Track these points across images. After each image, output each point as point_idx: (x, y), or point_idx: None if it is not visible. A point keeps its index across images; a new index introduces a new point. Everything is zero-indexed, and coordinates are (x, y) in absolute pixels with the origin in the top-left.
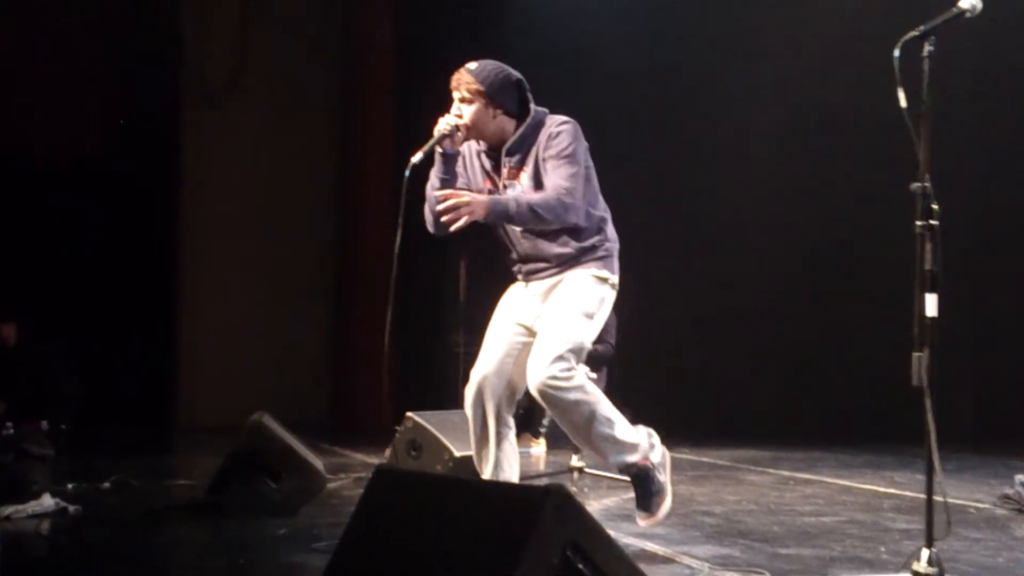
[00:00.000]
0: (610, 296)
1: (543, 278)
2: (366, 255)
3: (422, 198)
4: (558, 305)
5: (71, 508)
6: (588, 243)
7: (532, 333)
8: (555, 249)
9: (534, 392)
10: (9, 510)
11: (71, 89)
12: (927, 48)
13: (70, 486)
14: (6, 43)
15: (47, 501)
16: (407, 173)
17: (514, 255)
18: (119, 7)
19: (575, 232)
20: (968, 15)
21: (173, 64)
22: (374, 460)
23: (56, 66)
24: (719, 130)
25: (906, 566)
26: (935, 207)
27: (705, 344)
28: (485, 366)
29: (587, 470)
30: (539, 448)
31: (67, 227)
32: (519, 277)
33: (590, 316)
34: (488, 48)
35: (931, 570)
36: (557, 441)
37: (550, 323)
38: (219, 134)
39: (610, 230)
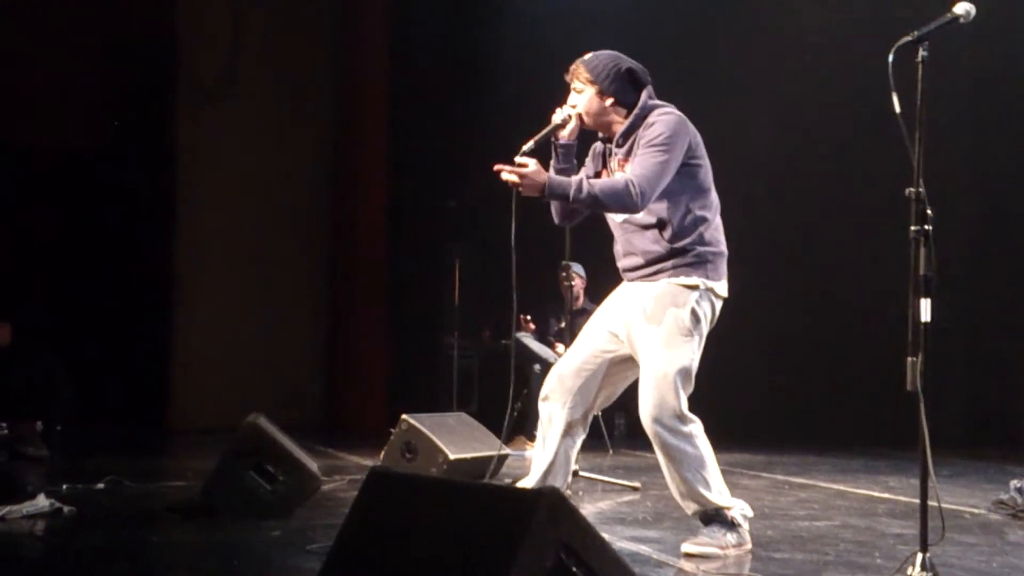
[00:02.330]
0: (705, 303)
1: (636, 278)
2: (361, 256)
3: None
4: (652, 331)
5: (65, 509)
6: (680, 244)
7: (618, 341)
8: (646, 245)
9: (646, 428)
10: (3, 510)
11: (65, 87)
12: (921, 53)
13: (64, 487)
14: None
15: (41, 501)
16: (517, 160)
17: (616, 247)
18: (114, 4)
19: (666, 229)
20: (962, 20)
21: (169, 62)
22: (368, 462)
23: (50, 64)
24: (713, 132)
25: (900, 571)
26: (929, 212)
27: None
28: (565, 365)
29: (582, 473)
30: (533, 451)
31: (61, 226)
32: (621, 273)
33: (687, 333)
34: (485, 49)
35: (925, 575)
36: None
37: (650, 355)
38: (214, 133)
39: (711, 233)
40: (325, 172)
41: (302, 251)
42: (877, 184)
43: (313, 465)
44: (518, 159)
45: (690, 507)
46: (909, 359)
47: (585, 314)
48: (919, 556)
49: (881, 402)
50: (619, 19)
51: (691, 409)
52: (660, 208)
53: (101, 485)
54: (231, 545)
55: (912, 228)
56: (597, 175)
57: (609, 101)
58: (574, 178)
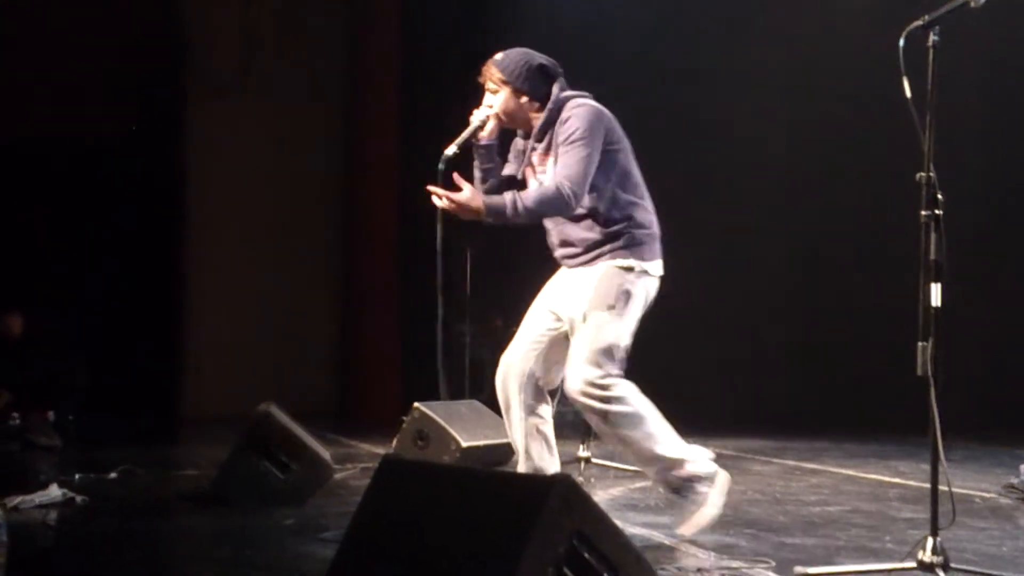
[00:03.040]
0: (640, 284)
1: (575, 264)
2: (373, 246)
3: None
4: (583, 305)
5: (78, 498)
6: (614, 229)
7: (559, 320)
8: (581, 233)
9: (572, 400)
10: (16, 500)
11: (76, 83)
12: (932, 38)
13: (77, 476)
14: (13, 35)
15: (54, 491)
16: (441, 167)
17: (550, 238)
18: (126, 0)
19: (598, 216)
20: (972, 5)
21: (179, 58)
22: (380, 450)
23: (63, 59)
24: (723, 119)
25: (911, 555)
26: (940, 197)
27: (710, 334)
28: (511, 352)
29: (594, 460)
30: None
31: (73, 218)
32: (559, 260)
33: (615, 310)
34: (496, 44)
35: (936, 559)
36: (562, 431)
37: (578, 327)
38: (226, 127)
39: (642, 215)
40: (336, 163)
41: (314, 241)
42: (889, 169)
43: (325, 453)
44: (443, 167)
45: (651, 472)
46: (920, 344)
47: None
48: (930, 540)
49: (891, 387)
50: (632, 14)
51: (701, 398)
52: (590, 199)
53: (113, 475)
54: (244, 534)
55: (923, 213)
56: (523, 180)
57: (524, 99)
58: (507, 196)
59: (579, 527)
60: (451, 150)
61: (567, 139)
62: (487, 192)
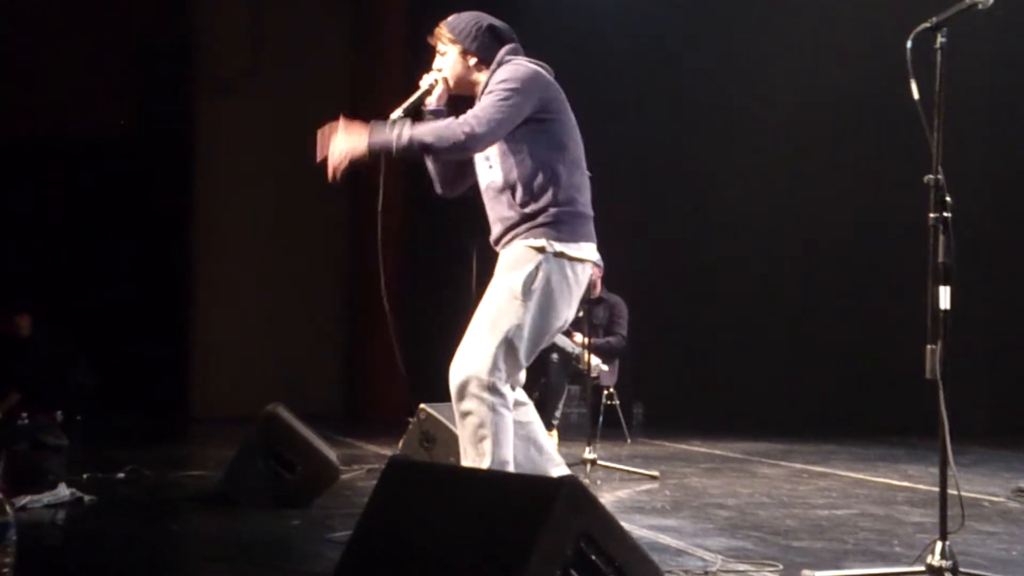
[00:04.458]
0: (552, 267)
1: (499, 247)
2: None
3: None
4: (489, 292)
5: (86, 498)
6: (531, 207)
7: None
8: (502, 211)
9: (451, 385)
10: (25, 500)
11: (85, 78)
12: (940, 40)
13: (85, 476)
14: (22, 32)
15: (62, 491)
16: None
17: (489, 220)
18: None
19: (516, 191)
20: (980, 7)
21: (187, 53)
22: (387, 451)
23: (70, 55)
24: (731, 121)
25: (920, 559)
26: (948, 199)
27: (718, 337)
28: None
29: (600, 462)
30: (552, 440)
31: (81, 217)
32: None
33: (516, 296)
34: None
35: (945, 563)
36: (570, 433)
37: (478, 313)
38: (233, 123)
39: (567, 192)
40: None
41: (321, 241)
42: (897, 171)
43: (332, 454)
44: (391, 122)
45: None
46: (928, 347)
47: (603, 303)
48: (938, 544)
49: (900, 390)
50: (640, 9)
51: (709, 400)
52: (509, 168)
53: (121, 474)
54: (251, 534)
55: (931, 215)
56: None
57: (472, 60)
58: (395, 128)
59: (586, 529)
60: (396, 114)
61: (489, 89)
62: (435, 162)
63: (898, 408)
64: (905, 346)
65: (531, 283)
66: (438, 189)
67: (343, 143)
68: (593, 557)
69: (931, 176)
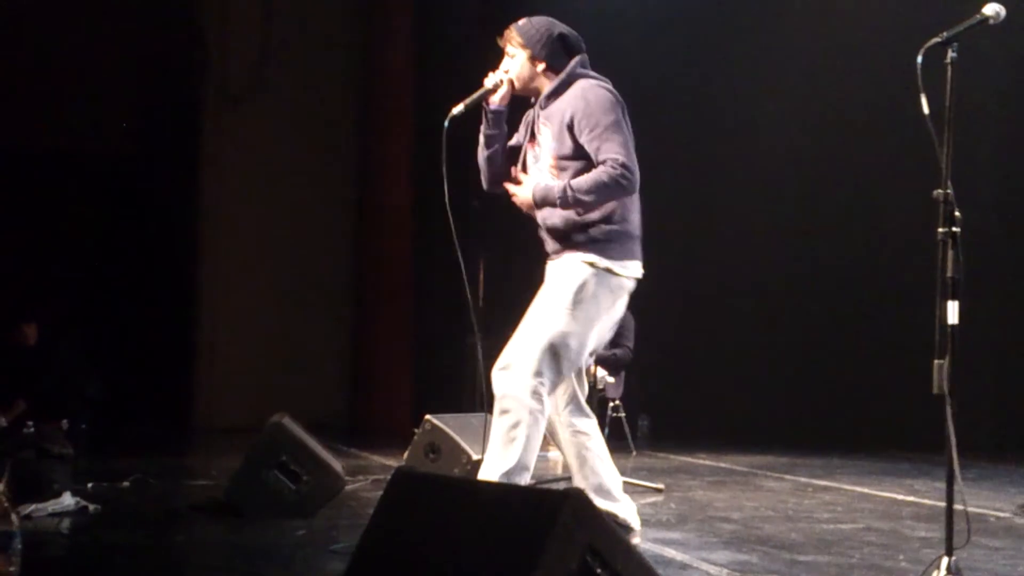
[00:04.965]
0: (603, 284)
1: (551, 257)
2: (386, 256)
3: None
4: (540, 300)
5: (91, 507)
6: (582, 221)
7: None
8: (556, 222)
9: (493, 382)
10: (29, 508)
11: (93, 94)
12: (950, 54)
13: (90, 485)
14: (33, 46)
15: (67, 500)
16: (446, 124)
17: (540, 231)
18: (143, 13)
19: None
20: (992, 22)
21: (195, 64)
22: (392, 462)
23: (78, 66)
24: (738, 135)
25: (925, 575)
26: (957, 214)
27: (724, 350)
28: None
29: None
30: (557, 452)
31: (87, 227)
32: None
33: (566, 306)
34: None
35: None
36: None
37: (529, 319)
38: (240, 133)
39: (620, 211)
40: (350, 174)
41: (327, 252)
42: (905, 185)
43: (337, 465)
44: (448, 126)
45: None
46: (936, 362)
47: None
48: (944, 560)
49: (905, 405)
50: (652, 15)
51: (714, 414)
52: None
53: (126, 484)
54: (255, 544)
55: (940, 230)
56: (533, 139)
57: (541, 66)
58: (555, 185)
59: (592, 542)
60: (458, 110)
61: (596, 122)
62: (489, 160)
63: (904, 423)
64: (911, 361)
65: (580, 295)
66: (485, 185)
67: (520, 195)
68: (598, 570)
69: (940, 191)
